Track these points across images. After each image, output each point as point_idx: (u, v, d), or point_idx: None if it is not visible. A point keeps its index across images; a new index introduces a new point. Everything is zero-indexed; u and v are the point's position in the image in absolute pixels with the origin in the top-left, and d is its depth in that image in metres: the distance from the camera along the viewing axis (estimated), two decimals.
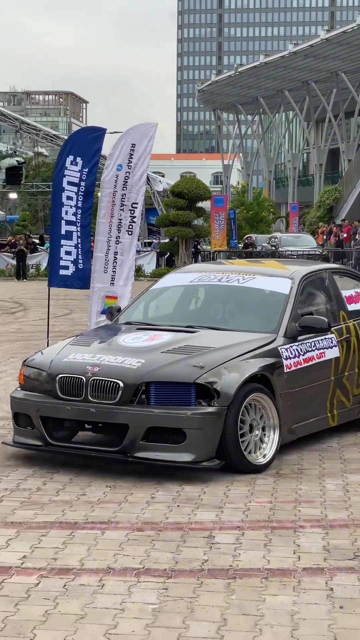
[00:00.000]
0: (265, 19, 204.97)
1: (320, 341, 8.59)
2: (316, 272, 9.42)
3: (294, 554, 5.70)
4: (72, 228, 12.75)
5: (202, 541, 5.91)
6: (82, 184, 12.72)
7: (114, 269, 12.33)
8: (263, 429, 7.76)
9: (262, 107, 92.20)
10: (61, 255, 12.83)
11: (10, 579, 5.23)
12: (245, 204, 73.55)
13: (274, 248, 46.01)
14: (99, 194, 12.70)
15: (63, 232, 12.77)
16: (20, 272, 39.88)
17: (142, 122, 13.16)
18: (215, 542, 5.90)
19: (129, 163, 12.23)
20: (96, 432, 8.00)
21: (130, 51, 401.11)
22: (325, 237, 49.64)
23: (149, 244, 49.91)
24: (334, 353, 8.75)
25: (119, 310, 9.75)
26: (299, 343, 8.34)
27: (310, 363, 8.40)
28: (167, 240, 45.12)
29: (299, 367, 8.23)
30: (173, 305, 9.60)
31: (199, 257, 45.22)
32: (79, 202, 12.73)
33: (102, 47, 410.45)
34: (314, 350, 8.49)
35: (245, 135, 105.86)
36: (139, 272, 34.60)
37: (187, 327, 8.60)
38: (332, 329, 8.77)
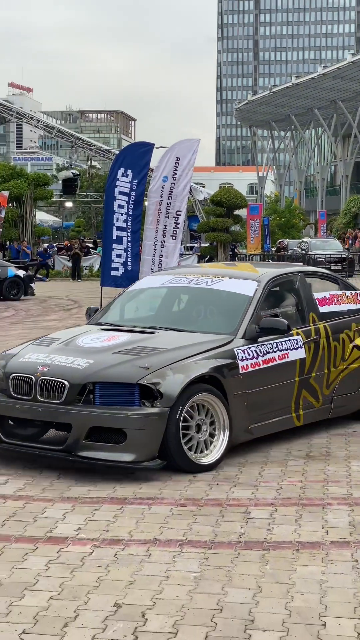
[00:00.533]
0: (297, 44, 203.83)
1: (283, 343, 7.92)
2: (285, 274, 8.75)
3: (323, 528, 5.67)
4: (123, 233, 12.83)
5: (239, 516, 5.90)
6: (133, 193, 12.78)
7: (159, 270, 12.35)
8: (212, 429, 7.18)
9: (293, 124, 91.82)
10: (112, 258, 12.95)
11: (67, 548, 5.25)
12: (278, 212, 73.23)
13: (304, 252, 45.78)
14: (146, 203, 12.72)
15: (114, 237, 12.87)
16: (75, 273, 40.02)
17: (185, 138, 13.14)
18: (250, 517, 5.88)
19: (174, 175, 12.25)
20: (58, 430, 7.41)
21: (175, 74, 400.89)
22: (351, 241, 49.31)
23: (191, 247, 49.84)
24: (299, 354, 8.07)
25: (96, 311, 9.25)
26: (259, 344, 7.70)
27: (271, 364, 7.74)
28: (207, 245, 45.10)
29: (257, 368, 7.59)
30: (143, 307, 9.11)
31: (236, 260, 45.15)
32: (129, 210, 12.80)
33: (150, 70, 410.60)
34: (275, 352, 7.81)
35: (278, 149, 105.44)
36: None
37: (150, 328, 8.08)
38: (299, 330, 8.18)
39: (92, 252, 43.57)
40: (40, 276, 37.92)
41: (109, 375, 6.99)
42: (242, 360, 7.47)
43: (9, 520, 5.75)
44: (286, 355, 7.94)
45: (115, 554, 5.14)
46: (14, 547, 5.26)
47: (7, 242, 41.87)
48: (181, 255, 35.65)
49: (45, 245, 44.86)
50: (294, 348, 8.03)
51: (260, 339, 7.76)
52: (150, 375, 6.89)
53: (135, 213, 12.87)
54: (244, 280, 8.34)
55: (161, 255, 12.35)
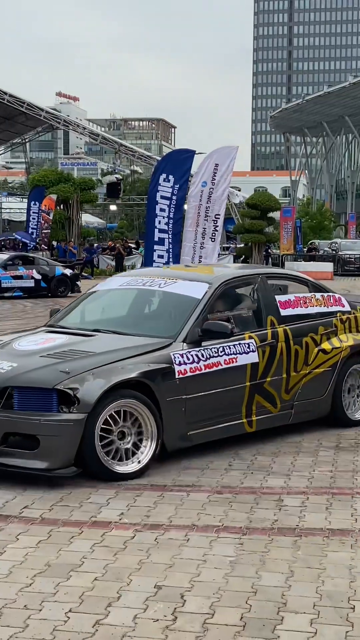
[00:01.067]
0: (329, 55, 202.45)
1: (231, 346, 7.25)
2: (241, 277, 8.09)
3: (352, 516, 5.63)
4: (165, 235, 12.87)
5: (272, 503, 5.88)
6: (174, 198, 12.80)
7: None
8: (139, 437, 6.56)
9: (325, 130, 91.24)
10: (154, 258, 12.99)
11: (110, 532, 5.28)
12: (309, 214, 72.90)
13: (334, 252, 45.51)
14: (186, 207, 12.73)
15: (156, 238, 12.91)
16: (118, 272, 40.13)
17: (222, 144, 13.12)
18: (283, 504, 5.86)
19: (212, 180, 12.25)
20: None
21: (212, 83, 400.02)
22: None
23: (227, 248, 49.73)
24: (250, 358, 7.38)
25: (58, 311, 8.58)
26: (202, 348, 7.04)
27: (215, 369, 7.08)
28: (242, 245, 44.97)
29: (197, 372, 6.92)
30: (95, 309, 8.42)
31: (270, 260, 45.03)
32: (171, 213, 12.82)
33: (189, 79, 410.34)
34: (221, 356, 7.14)
35: (310, 154, 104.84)
36: None
37: (94, 330, 7.49)
38: (253, 334, 7.52)
39: (134, 252, 43.64)
40: (85, 274, 38.04)
41: (27, 379, 6.43)
42: (180, 364, 6.83)
43: (56, 505, 5.78)
44: (234, 360, 7.25)
45: (156, 539, 5.16)
46: (61, 530, 5.29)
47: (55, 243, 42.12)
48: (218, 255, 35.62)
49: (93, 242, 45.04)
50: (244, 352, 7.35)
51: (204, 343, 7.11)
52: (68, 380, 6.29)
53: (177, 216, 12.89)
54: (195, 283, 7.69)
55: (200, 256, 12.36)
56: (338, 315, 8.41)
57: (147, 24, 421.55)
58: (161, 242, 12.87)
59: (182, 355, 6.91)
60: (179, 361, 6.86)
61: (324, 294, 8.47)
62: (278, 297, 7.97)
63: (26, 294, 25.94)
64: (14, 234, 44.67)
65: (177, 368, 6.82)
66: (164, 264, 12.91)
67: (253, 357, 7.44)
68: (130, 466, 6.47)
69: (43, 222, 40.77)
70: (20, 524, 5.40)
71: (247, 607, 4.19)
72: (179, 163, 12.94)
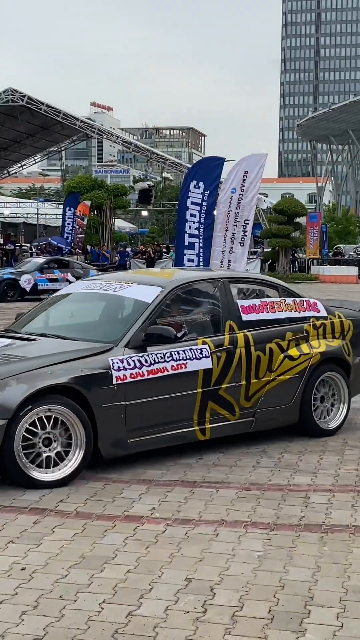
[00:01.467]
0: (355, 65, 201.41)
1: (181, 352, 6.81)
2: (199, 280, 7.60)
3: None
4: (195, 240, 12.90)
5: (299, 500, 5.85)
6: (204, 203, 12.82)
7: None
8: (68, 443, 6.19)
9: (351, 138, 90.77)
10: (185, 262, 13.02)
11: (142, 526, 5.28)
12: (335, 219, 72.58)
13: (359, 256, 45.22)
14: (215, 212, 12.73)
15: (186, 243, 12.94)
16: None
17: (250, 152, 13.10)
18: (310, 501, 5.83)
19: (242, 187, 12.23)
20: None
21: (241, 92, 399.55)
22: None
23: (254, 252, 49.66)
24: (202, 364, 6.94)
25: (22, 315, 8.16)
26: (147, 354, 6.63)
27: (160, 374, 6.65)
28: (269, 250, 44.89)
29: (139, 378, 6.51)
30: (53, 313, 7.91)
31: (296, 263, 44.91)
32: (201, 218, 12.85)
33: (218, 89, 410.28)
34: (168, 362, 6.70)
35: (336, 162, 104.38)
36: None
37: (40, 334, 7.15)
38: (208, 339, 7.07)
39: (164, 256, 43.70)
40: None
41: None
42: (119, 370, 6.41)
43: (90, 500, 5.80)
44: (183, 365, 6.81)
45: (186, 533, 5.15)
46: (95, 524, 5.31)
47: (89, 247, 42.31)
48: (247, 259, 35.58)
49: (126, 246, 45.18)
50: (195, 358, 6.91)
51: (151, 348, 6.69)
52: None
53: (207, 221, 12.91)
54: (149, 287, 7.25)
55: (230, 260, 12.36)
56: (311, 320, 7.91)
57: (179, 36, 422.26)
58: (191, 246, 12.91)
59: (121, 361, 6.48)
60: (118, 366, 6.44)
61: (295, 299, 7.93)
62: (241, 302, 7.49)
63: None
64: (49, 238, 44.90)
65: (115, 373, 6.40)
66: (193, 267, 12.95)
67: (206, 363, 6.98)
68: (55, 474, 6.08)
69: (77, 227, 40.97)
70: (56, 517, 5.43)
71: (275, 600, 4.18)
72: (209, 170, 12.95)
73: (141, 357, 6.62)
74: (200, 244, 12.95)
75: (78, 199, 41.90)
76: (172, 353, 6.79)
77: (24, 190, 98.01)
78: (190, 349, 6.92)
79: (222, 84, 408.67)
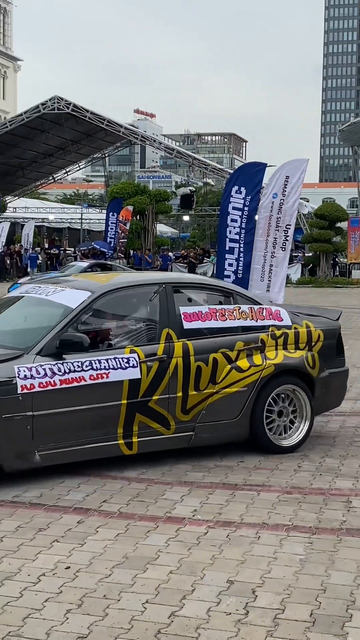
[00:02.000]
0: None
1: (102, 361, 6.37)
2: (135, 285, 7.06)
3: None
4: (235, 245, 12.89)
5: (341, 505, 5.80)
6: (245, 209, 12.79)
7: (269, 279, 12.34)
8: None
9: None
10: (225, 267, 13.01)
11: (184, 527, 5.28)
12: None
13: None
14: (257, 217, 12.69)
15: (227, 247, 12.93)
16: None
17: (292, 157, 13.03)
18: (352, 506, 5.78)
19: (283, 192, 12.18)
20: None
21: (283, 99, 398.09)
22: None
23: (295, 257, 49.43)
24: (128, 374, 6.46)
25: None
26: (61, 362, 6.21)
27: (76, 384, 6.21)
28: (310, 254, 44.65)
29: (49, 388, 6.08)
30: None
31: (337, 268, 44.61)
32: (242, 223, 12.82)
33: (261, 95, 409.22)
34: (86, 371, 6.27)
35: None
36: (287, 280, 34.35)
37: None
38: (138, 347, 6.59)
39: (205, 261, 43.70)
40: None
41: None
42: (25, 378, 6.02)
43: (133, 500, 5.81)
44: (105, 375, 6.35)
45: (228, 535, 5.14)
46: (138, 524, 5.32)
47: (131, 251, 42.49)
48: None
49: (167, 251, 45.29)
50: (120, 367, 6.44)
51: (68, 356, 6.27)
52: None
53: (248, 226, 12.88)
54: (79, 291, 6.81)
55: (271, 265, 12.31)
56: (270, 330, 7.31)
57: (221, 43, 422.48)
58: (231, 251, 12.91)
59: (29, 369, 6.08)
60: (25, 375, 6.04)
61: (253, 307, 7.35)
62: (184, 309, 6.95)
63: None
64: (93, 243, 45.20)
65: (20, 382, 6.01)
66: (233, 272, 12.96)
67: (132, 373, 6.50)
68: None
69: (120, 232, 41.17)
70: (100, 517, 5.45)
71: (317, 604, 4.15)
72: (250, 175, 12.92)
73: (54, 365, 6.19)
74: (241, 249, 12.93)
75: (121, 204, 42.10)
76: (92, 362, 6.34)
77: (68, 196, 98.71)
78: (114, 358, 6.46)
79: (264, 90, 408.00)
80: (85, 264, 28.17)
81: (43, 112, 47.83)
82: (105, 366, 6.40)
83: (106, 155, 62.27)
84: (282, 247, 12.28)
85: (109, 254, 40.29)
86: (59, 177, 63.42)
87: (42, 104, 47.77)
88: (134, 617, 3.98)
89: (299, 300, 26.05)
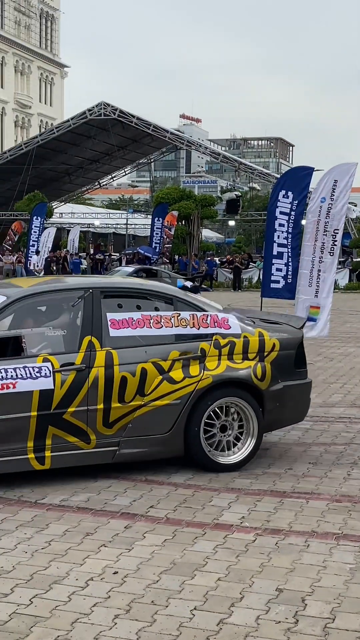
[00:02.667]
0: None
1: (9, 370, 6.04)
2: (56, 291, 6.74)
3: None
4: (284, 250, 12.86)
5: None
6: (293, 213, 12.77)
7: (317, 284, 12.25)
8: None
9: None
10: (273, 272, 12.98)
11: (232, 534, 5.25)
12: None
13: None
14: (304, 222, 12.62)
15: (275, 252, 12.90)
16: (236, 284, 40.17)
17: (339, 162, 12.93)
18: None
19: (331, 196, 12.09)
20: None
21: (328, 102, 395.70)
22: None
23: (343, 262, 49.07)
24: (39, 384, 6.10)
25: None
26: None
27: None
28: (359, 259, 44.30)
29: None
30: None
31: None
32: (289, 228, 12.80)
33: (306, 99, 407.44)
34: None
35: None
36: (334, 286, 34.10)
37: None
38: (53, 356, 6.24)
39: (251, 266, 43.59)
40: (205, 286, 38.22)
41: None
42: None
43: (180, 506, 5.80)
44: (10, 385, 6.01)
45: (276, 543, 5.10)
46: (185, 531, 5.30)
47: (177, 256, 42.58)
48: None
49: (213, 256, 45.30)
50: (29, 377, 6.09)
51: None
52: None
53: (295, 231, 12.86)
54: None
55: (319, 270, 12.22)
56: (214, 338, 6.78)
57: (267, 47, 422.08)
58: (280, 256, 12.86)
59: None
60: None
61: (196, 314, 6.82)
62: (111, 316, 6.53)
63: None
64: (137, 248, 45.40)
65: None
66: (282, 277, 12.89)
67: (44, 383, 6.13)
68: None
69: (165, 237, 41.29)
70: (147, 522, 5.45)
71: None
72: (298, 180, 12.88)
73: None
74: (289, 253, 12.90)
75: (166, 210, 42.22)
76: None
77: (113, 201, 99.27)
78: (24, 367, 6.11)
79: (310, 94, 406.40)
80: (130, 269, 28.32)
81: (89, 118, 48.25)
82: (12, 375, 6.07)
83: (152, 160, 62.57)
84: (330, 252, 12.18)
85: (154, 259, 40.43)
86: (104, 183, 63.90)
87: (89, 110, 48.19)
88: (182, 623, 3.97)
89: (347, 307, 25.83)
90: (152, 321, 6.64)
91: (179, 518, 5.55)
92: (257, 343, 6.96)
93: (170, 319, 6.72)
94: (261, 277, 14.57)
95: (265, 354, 6.96)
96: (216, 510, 5.74)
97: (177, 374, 6.57)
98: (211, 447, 6.71)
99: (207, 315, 6.88)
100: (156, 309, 6.78)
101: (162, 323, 6.67)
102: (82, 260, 42.69)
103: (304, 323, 7.76)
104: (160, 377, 6.51)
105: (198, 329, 6.78)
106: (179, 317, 6.75)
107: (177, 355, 6.61)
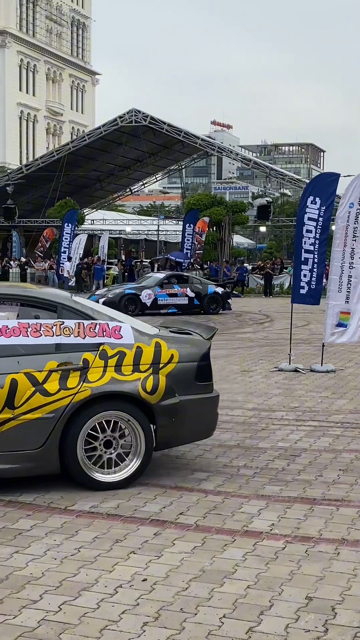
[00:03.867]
0: None
1: None
2: None
3: None
4: (310, 256, 12.87)
5: None
6: (320, 219, 12.75)
7: (347, 290, 12.19)
8: None
9: None
10: (300, 277, 12.98)
11: (262, 542, 5.22)
12: None
13: None
14: (333, 227, 12.56)
15: (302, 258, 12.90)
16: (267, 290, 40.07)
17: None
18: None
19: None
20: None
21: (358, 107, 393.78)
22: None
23: None
24: None
25: None
26: None
27: None
28: None
29: None
30: None
31: None
32: (317, 234, 12.78)
33: (337, 104, 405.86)
34: None
35: None
36: None
37: None
38: None
39: (283, 272, 43.44)
40: (236, 293, 38.19)
41: None
42: None
43: (209, 513, 5.78)
44: None
45: (306, 551, 5.06)
46: (215, 538, 5.28)
47: (208, 262, 42.57)
48: None
49: (244, 262, 45.21)
50: None
51: None
52: None
53: (322, 237, 12.85)
54: None
55: (350, 276, 12.16)
56: (101, 348, 6.35)
57: (297, 52, 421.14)
58: (306, 262, 12.87)
59: None
60: None
61: (83, 322, 6.39)
62: None
63: (180, 310, 26.34)
64: (168, 255, 45.45)
65: None
66: (306, 283, 12.90)
67: None
68: None
69: (196, 243, 41.30)
70: (176, 529, 5.44)
71: None
72: (324, 186, 12.86)
73: None
74: (315, 260, 12.89)
75: (197, 216, 42.23)
76: None
77: (144, 208, 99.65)
78: None
79: (341, 99, 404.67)
80: (162, 275, 28.36)
81: (121, 125, 48.39)
82: None
83: (183, 167, 62.63)
84: None
85: (185, 264, 40.43)
86: (135, 189, 64.05)
87: (120, 117, 48.35)
88: (211, 631, 3.95)
89: None
90: (29, 329, 6.25)
91: (208, 525, 5.53)
92: (152, 354, 6.50)
93: (52, 327, 6.31)
94: (292, 283, 14.55)
95: (161, 365, 6.50)
96: (246, 517, 5.71)
97: (52, 385, 6.13)
98: (94, 463, 6.30)
99: (96, 324, 6.44)
100: (36, 317, 6.38)
101: (41, 332, 6.28)
102: (104, 267, 42.69)
103: (214, 334, 7.24)
104: (33, 388, 6.09)
105: (83, 338, 6.35)
106: (61, 326, 6.34)
107: (55, 366, 6.19)
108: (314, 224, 12.77)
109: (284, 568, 4.76)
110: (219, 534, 5.36)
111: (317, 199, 12.75)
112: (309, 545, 5.16)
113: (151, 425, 6.43)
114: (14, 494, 6.15)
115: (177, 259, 41.14)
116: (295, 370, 12.89)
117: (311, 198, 12.78)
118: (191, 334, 7.07)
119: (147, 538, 5.25)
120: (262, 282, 41.43)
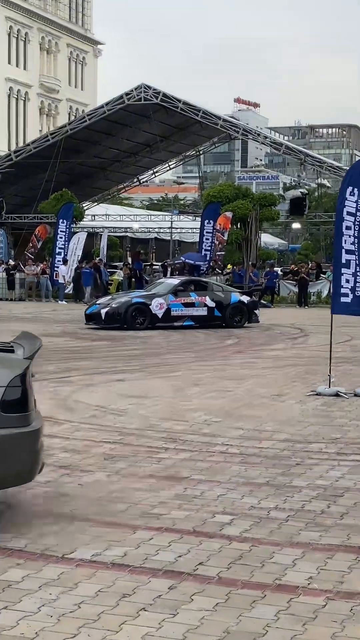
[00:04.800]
0: None
1: None
2: None
3: None
4: (351, 257, 12.69)
5: None
6: (359, 214, 12.58)
7: None
8: None
9: None
10: (342, 283, 12.81)
11: (297, 598, 5.20)
12: None
13: None
14: None
15: (343, 260, 12.76)
16: (302, 299, 40.09)
17: None
18: None
19: None
20: None
21: None
22: None
23: None
24: None
25: None
26: None
27: None
28: None
29: None
30: None
31: None
32: (356, 231, 12.58)
33: None
34: None
35: None
36: None
37: None
38: None
39: (321, 277, 43.44)
40: (264, 302, 38.27)
41: None
42: None
43: (234, 564, 5.77)
44: None
45: (351, 609, 5.04)
46: (241, 593, 5.27)
47: (230, 266, 42.58)
48: None
49: (273, 265, 45.24)
50: None
51: None
52: None
53: None
54: None
55: None
56: None
57: (340, 24, 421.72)
58: (347, 264, 12.63)
59: None
60: None
61: None
62: None
63: (198, 323, 26.32)
64: (182, 257, 45.46)
65: None
66: (350, 289, 12.74)
67: None
68: None
69: (217, 242, 41.38)
70: (195, 582, 5.43)
71: None
72: None
73: None
74: (357, 261, 12.68)
75: (218, 211, 42.37)
76: None
77: (155, 201, 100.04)
78: None
79: None
80: (176, 281, 28.37)
81: (127, 104, 48.67)
82: None
83: (201, 152, 62.88)
84: None
85: (204, 269, 40.50)
86: (144, 180, 64.36)
87: (127, 94, 48.62)
88: None
89: None
90: None
91: (233, 578, 5.52)
92: None
93: None
94: (331, 290, 14.49)
95: None
96: (278, 568, 5.70)
97: None
98: None
99: None
100: None
101: None
102: (104, 270, 42.74)
103: (38, 349, 6.49)
104: None
105: None
106: None
107: None
108: (352, 219, 12.65)
109: (325, 629, 4.74)
110: (246, 588, 5.35)
111: (356, 190, 12.64)
112: (355, 602, 5.14)
113: None
114: (3, 538, 6.17)
115: (196, 262, 41.22)
116: (336, 395, 12.88)
117: (350, 189, 12.69)
118: (12, 350, 6.54)
119: (160, 592, 5.25)
120: (296, 289, 41.44)
